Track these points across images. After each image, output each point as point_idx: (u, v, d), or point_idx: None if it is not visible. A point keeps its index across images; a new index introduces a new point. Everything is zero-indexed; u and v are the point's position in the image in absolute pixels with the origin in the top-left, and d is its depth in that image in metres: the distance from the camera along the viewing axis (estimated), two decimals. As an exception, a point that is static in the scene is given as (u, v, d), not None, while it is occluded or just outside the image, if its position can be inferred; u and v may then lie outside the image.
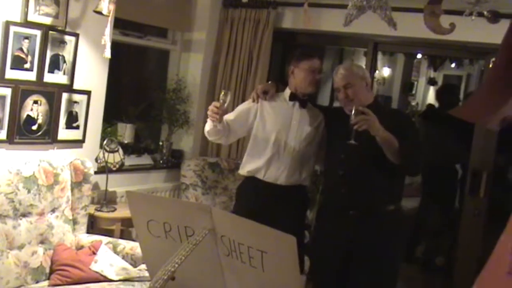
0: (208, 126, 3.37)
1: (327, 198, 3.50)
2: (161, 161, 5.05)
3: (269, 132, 3.45)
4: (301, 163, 3.44)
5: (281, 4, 5.01)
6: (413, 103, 10.58)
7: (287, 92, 3.51)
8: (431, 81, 11.15)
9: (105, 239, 3.69)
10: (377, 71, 8.01)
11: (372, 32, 4.53)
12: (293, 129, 3.43)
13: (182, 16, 5.05)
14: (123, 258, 3.53)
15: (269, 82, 3.76)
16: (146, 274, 3.10)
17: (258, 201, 3.43)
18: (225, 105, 3.20)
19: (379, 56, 7.81)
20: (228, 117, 3.49)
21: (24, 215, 3.33)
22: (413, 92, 10.76)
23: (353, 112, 2.99)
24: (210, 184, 4.85)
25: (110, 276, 3.36)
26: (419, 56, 9.67)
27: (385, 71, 9.56)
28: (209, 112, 3.24)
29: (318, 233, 3.55)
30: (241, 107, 3.61)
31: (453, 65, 10.58)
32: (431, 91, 11.35)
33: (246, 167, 3.51)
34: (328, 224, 3.34)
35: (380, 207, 3.19)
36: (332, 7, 4.61)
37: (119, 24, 4.28)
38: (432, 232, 5.89)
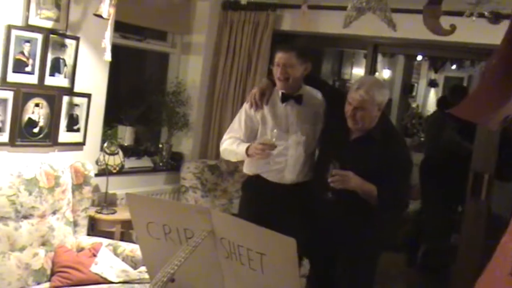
0: (238, 155, 3.40)
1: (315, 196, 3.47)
2: (160, 164, 5.06)
3: (269, 134, 3.42)
4: (303, 161, 3.40)
5: (280, 6, 5.02)
6: (414, 105, 10.59)
7: (278, 91, 3.42)
8: (432, 83, 11.16)
9: (105, 241, 3.70)
10: (377, 73, 8.03)
11: (372, 34, 4.53)
12: (291, 130, 3.39)
13: (181, 19, 5.06)
14: (123, 260, 3.54)
15: (263, 79, 3.67)
16: (146, 276, 3.10)
17: (263, 200, 3.42)
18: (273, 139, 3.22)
19: (379, 58, 7.82)
20: (240, 135, 3.46)
21: (25, 217, 3.35)
22: (414, 94, 10.77)
23: (330, 171, 3.03)
24: (209, 187, 4.87)
25: (110, 278, 3.37)
26: (419, 57, 9.69)
27: (385, 73, 9.58)
28: (257, 152, 3.23)
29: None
30: (243, 121, 3.48)
31: (454, 66, 10.58)
32: (432, 93, 11.35)
33: (249, 168, 3.49)
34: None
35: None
36: (331, 9, 4.61)
37: (119, 27, 4.29)
38: (433, 234, 5.87)
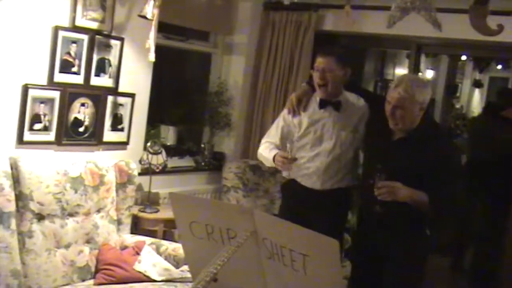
0: (268, 161, 3.41)
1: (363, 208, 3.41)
2: (202, 163, 5.10)
3: (304, 141, 3.40)
4: (337, 169, 3.36)
5: (323, 6, 5.00)
6: (458, 106, 10.41)
7: (317, 97, 3.40)
8: (476, 83, 10.95)
9: (148, 239, 3.74)
10: (420, 74, 7.91)
11: (415, 34, 4.47)
12: (326, 136, 3.35)
13: (223, 20, 5.09)
14: (165, 259, 3.57)
15: (303, 85, 3.66)
16: (188, 275, 3.13)
17: (295, 203, 3.43)
18: (292, 152, 3.23)
19: (422, 58, 7.71)
20: (274, 141, 3.47)
21: (71, 214, 3.41)
22: (458, 94, 10.57)
23: (376, 183, 2.90)
24: (251, 187, 4.88)
25: (153, 277, 3.41)
26: (463, 57, 9.51)
27: (429, 73, 9.43)
28: (278, 164, 3.26)
29: (357, 237, 3.53)
30: (280, 127, 3.49)
31: (499, 66, 10.37)
32: (477, 93, 11.13)
33: (284, 172, 3.52)
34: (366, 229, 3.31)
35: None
36: (374, 9, 4.57)
37: (162, 28, 4.34)
38: (478, 238, 5.71)
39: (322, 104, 3.36)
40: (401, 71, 8.65)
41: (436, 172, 2.93)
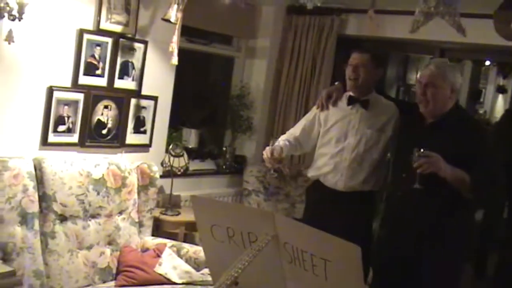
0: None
1: (390, 212, 3.35)
2: (224, 167, 5.11)
3: (329, 136, 3.40)
4: (361, 168, 3.33)
5: (346, 11, 4.99)
6: (481, 111, 10.30)
7: (347, 94, 3.41)
8: (500, 89, 10.82)
9: (169, 242, 3.76)
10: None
11: (439, 39, 4.43)
12: (351, 133, 3.34)
13: (246, 24, 5.10)
14: (186, 261, 3.58)
15: (336, 83, 3.67)
16: (209, 278, 3.14)
17: (319, 206, 3.42)
18: (275, 151, 3.20)
19: (446, 63, 7.63)
20: (295, 131, 3.52)
21: (93, 216, 3.44)
22: (481, 100, 10.46)
23: (415, 154, 2.83)
24: (272, 191, 4.87)
25: (173, 279, 3.42)
26: (487, 63, 9.41)
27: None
28: (263, 155, 3.25)
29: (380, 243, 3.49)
30: (306, 119, 3.56)
31: (524, 72, 10.24)
32: (500, 99, 11.01)
33: (310, 170, 3.52)
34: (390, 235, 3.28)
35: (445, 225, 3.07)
36: (397, 14, 4.54)
37: (185, 31, 4.36)
38: (503, 244, 5.60)
39: (351, 101, 3.37)
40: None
41: (472, 153, 2.88)
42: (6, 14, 3.10)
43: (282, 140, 3.43)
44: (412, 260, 3.10)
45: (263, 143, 5.21)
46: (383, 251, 3.35)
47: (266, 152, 3.21)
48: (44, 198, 3.22)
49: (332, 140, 3.39)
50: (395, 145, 3.34)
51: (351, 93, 3.37)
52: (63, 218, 3.29)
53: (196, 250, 3.64)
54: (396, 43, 4.99)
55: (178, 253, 3.65)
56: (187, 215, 4.14)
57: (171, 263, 3.50)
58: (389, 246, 3.25)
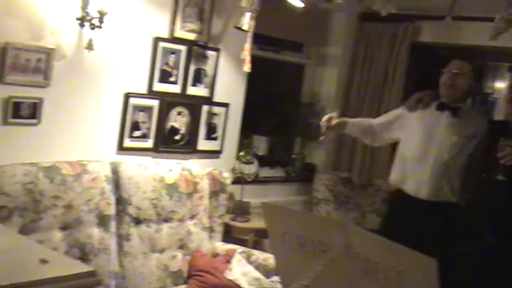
0: None
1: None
2: (293, 174, 5.11)
3: (411, 141, 3.34)
4: (445, 176, 3.23)
5: (419, 17, 4.89)
6: None
7: (438, 101, 3.36)
8: None
9: (239, 248, 3.79)
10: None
11: (519, 46, 4.27)
12: (436, 138, 3.26)
13: (317, 31, 5.09)
14: (256, 268, 3.60)
15: (429, 91, 3.62)
16: (278, 286, 3.14)
17: (400, 216, 3.35)
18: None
19: (525, 71, 7.35)
20: (374, 120, 3.56)
21: (166, 220, 3.52)
22: None
23: (501, 144, 2.76)
24: (342, 200, 4.83)
25: (243, 285, 3.44)
26: None
27: (531, 87, 8.98)
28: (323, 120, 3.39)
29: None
30: (390, 114, 3.58)
31: None
32: None
33: (391, 176, 3.46)
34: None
35: None
36: (476, 20, 4.41)
37: (256, 38, 4.39)
38: None
39: (441, 107, 3.31)
40: (501, 84, 8.29)
41: None
42: (87, 23, 3.23)
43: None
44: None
45: (333, 151, 5.18)
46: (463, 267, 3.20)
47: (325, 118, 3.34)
48: (120, 201, 3.33)
49: (416, 144, 3.32)
50: (479, 153, 3.25)
51: (442, 100, 3.32)
52: (137, 221, 3.38)
53: (265, 257, 3.66)
54: (472, 50, 4.84)
55: (248, 259, 3.67)
56: (256, 222, 4.16)
57: (241, 269, 3.52)
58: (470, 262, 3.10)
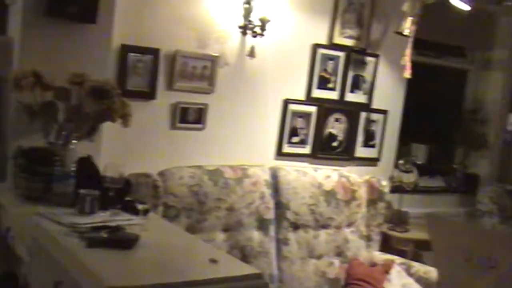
0: None
1: None
2: (454, 185, 4.89)
3: None
4: None
5: None
6: None
7: None
8: None
9: (398, 259, 3.69)
10: None
11: None
12: None
13: (482, 35, 4.83)
14: (416, 281, 3.48)
15: None
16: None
17: None
18: None
19: None
20: None
21: (323, 226, 3.53)
22: None
23: None
24: (508, 213, 4.52)
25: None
26: None
27: None
28: None
29: None
30: None
31: None
32: None
33: None
34: None
35: None
36: None
37: (415, 43, 4.26)
38: None
39: None
40: None
41: None
42: (249, 31, 3.34)
43: None
44: None
45: (499, 162, 4.89)
46: None
47: None
48: (279, 206, 3.39)
49: None
50: None
51: None
52: (295, 226, 3.42)
53: (426, 270, 3.52)
54: None
55: (408, 271, 3.56)
56: (416, 233, 4.01)
57: (401, 281, 3.43)
58: None
